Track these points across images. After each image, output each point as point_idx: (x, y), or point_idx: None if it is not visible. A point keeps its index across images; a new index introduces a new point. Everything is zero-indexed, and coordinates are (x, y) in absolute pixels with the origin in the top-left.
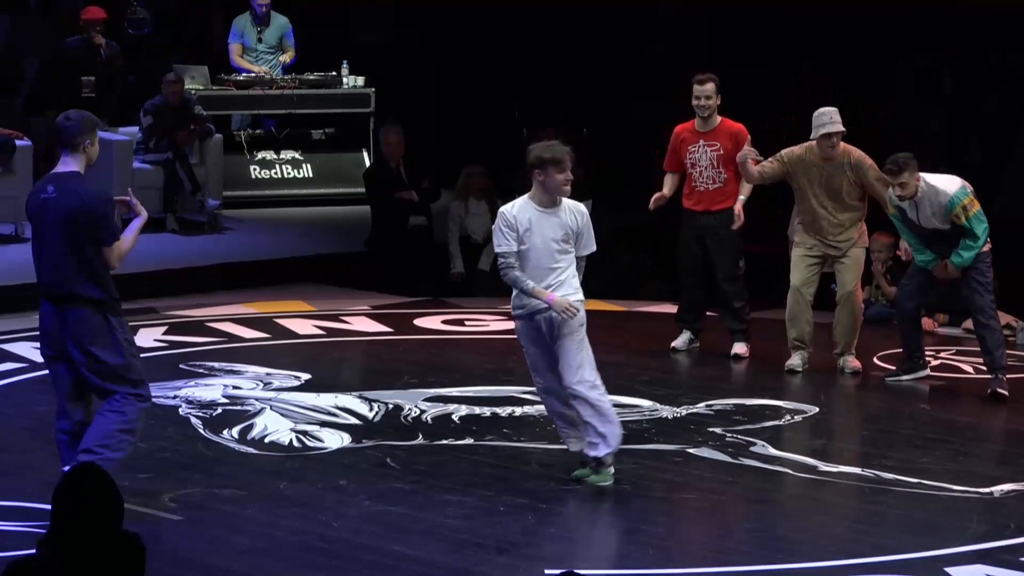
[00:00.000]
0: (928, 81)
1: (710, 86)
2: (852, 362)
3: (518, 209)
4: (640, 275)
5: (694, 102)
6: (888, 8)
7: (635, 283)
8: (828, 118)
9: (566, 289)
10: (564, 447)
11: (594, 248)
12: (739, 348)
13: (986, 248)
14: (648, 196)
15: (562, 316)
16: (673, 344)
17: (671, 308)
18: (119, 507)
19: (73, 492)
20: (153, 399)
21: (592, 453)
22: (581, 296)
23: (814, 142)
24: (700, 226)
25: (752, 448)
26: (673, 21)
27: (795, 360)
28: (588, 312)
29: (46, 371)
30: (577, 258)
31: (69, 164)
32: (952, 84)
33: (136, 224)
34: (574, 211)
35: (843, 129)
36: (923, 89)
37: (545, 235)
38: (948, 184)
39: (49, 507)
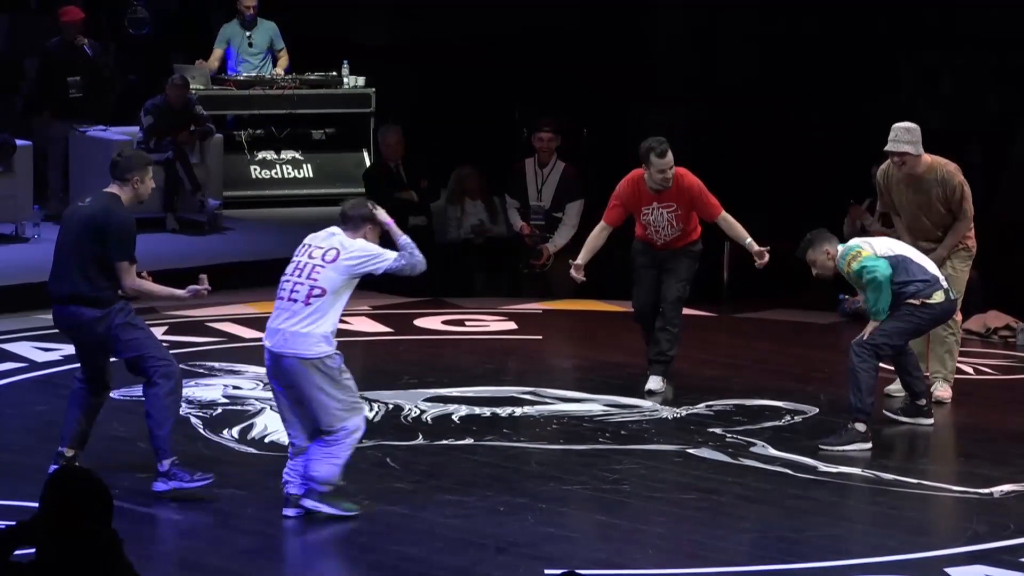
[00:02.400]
0: (929, 81)
1: (670, 157)
2: (941, 391)
3: None
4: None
5: (657, 175)
6: (889, 8)
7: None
8: (893, 135)
9: None
10: (564, 447)
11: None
12: (654, 383)
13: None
14: None
15: None
16: (649, 387)
17: None
18: (105, 509)
19: (58, 495)
20: None
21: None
22: None
23: None
24: (661, 257)
25: (752, 448)
26: (672, 22)
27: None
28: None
29: (46, 371)
30: None
31: (113, 188)
32: (952, 84)
33: (165, 291)
34: None
35: (906, 150)
36: (923, 89)
37: None
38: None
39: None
